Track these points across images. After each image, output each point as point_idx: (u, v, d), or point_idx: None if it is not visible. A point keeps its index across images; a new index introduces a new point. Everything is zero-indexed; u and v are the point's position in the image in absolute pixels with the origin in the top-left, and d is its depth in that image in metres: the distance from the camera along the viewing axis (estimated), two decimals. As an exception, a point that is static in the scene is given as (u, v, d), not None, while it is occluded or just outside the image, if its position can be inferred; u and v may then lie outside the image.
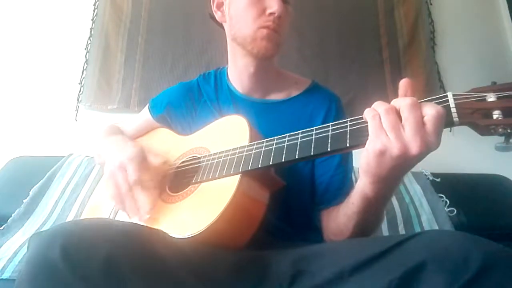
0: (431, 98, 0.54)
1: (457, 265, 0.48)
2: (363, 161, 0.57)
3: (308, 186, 0.88)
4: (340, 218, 0.76)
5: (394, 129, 0.52)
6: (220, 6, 0.94)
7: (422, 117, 0.51)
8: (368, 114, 0.55)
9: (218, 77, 1.01)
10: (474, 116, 0.51)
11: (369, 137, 0.54)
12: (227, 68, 1.00)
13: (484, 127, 0.51)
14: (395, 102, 0.54)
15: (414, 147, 0.50)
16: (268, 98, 0.95)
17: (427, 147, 0.50)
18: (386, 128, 0.52)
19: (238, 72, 0.94)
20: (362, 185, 0.63)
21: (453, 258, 0.49)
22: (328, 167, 0.86)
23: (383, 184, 0.60)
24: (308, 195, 0.89)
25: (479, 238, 0.52)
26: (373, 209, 0.67)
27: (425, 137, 0.50)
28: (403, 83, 0.57)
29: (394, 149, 0.51)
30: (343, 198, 0.78)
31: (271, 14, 0.83)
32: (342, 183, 0.85)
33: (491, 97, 0.50)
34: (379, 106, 0.55)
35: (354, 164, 0.92)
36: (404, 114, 0.52)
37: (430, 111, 0.51)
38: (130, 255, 0.52)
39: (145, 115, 1.08)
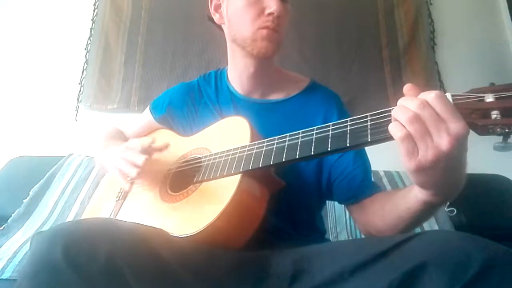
0: None
1: (458, 265, 0.48)
2: (413, 179, 0.55)
3: (310, 186, 0.88)
4: (389, 218, 0.73)
5: (423, 139, 0.49)
6: (218, 8, 0.94)
7: (436, 112, 0.49)
8: (396, 130, 0.51)
9: (218, 78, 1.01)
10: (473, 116, 0.51)
11: (403, 158, 0.52)
12: (227, 69, 1.00)
13: (482, 127, 0.51)
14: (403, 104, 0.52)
15: (443, 145, 0.48)
16: (268, 98, 0.95)
17: (456, 137, 0.48)
18: (416, 138, 0.50)
19: (238, 73, 0.94)
20: (423, 196, 0.59)
21: (454, 258, 0.49)
22: (346, 163, 0.85)
23: (447, 187, 0.57)
24: (310, 195, 0.89)
25: (479, 238, 0.52)
26: (435, 209, 0.65)
27: (447, 128, 0.48)
28: (408, 88, 0.54)
29: (429, 157, 0.49)
30: (372, 189, 0.82)
31: (270, 14, 0.83)
32: (365, 175, 0.85)
33: (489, 98, 0.50)
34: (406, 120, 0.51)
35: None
36: (422, 115, 0.49)
37: (429, 97, 0.49)
38: (131, 255, 0.52)
39: (146, 117, 1.08)
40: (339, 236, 1.40)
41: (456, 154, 0.50)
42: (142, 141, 0.82)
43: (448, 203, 1.47)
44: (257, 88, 0.94)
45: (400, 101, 0.53)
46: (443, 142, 0.48)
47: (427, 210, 0.63)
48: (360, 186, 0.83)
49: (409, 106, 0.50)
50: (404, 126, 0.50)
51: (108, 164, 0.88)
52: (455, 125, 0.48)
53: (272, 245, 0.73)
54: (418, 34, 2.06)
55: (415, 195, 0.61)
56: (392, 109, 0.54)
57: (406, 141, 0.50)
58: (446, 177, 0.53)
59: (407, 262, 0.52)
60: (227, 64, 0.99)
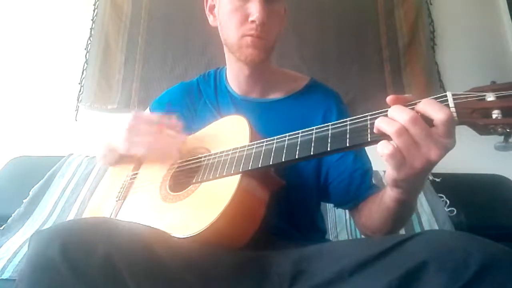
0: (431, 97, 0.53)
1: (457, 265, 0.48)
2: (389, 180, 0.57)
3: (310, 185, 0.88)
4: (375, 219, 0.76)
5: (410, 151, 0.51)
6: (212, 9, 0.93)
7: (427, 126, 0.50)
8: (384, 148, 0.53)
9: (217, 78, 1.01)
10: (473, 115, 0.50)
11: (390, 169, 0.54)
12: (226, 69, 1.00)
13: (483, 126, 0.50)
14: (393, 116, 0.53)
15: (432, 156, 0.51)
16: (267, 97, 0.94)
17: (445, 150, 0.51)
18: (404, 151, 0.52)
19: (234, 74, 0.94)
20: (395, 194, 0.62)
21: (454, 258, 0.49)
22: (345, 165, 0.85)
23: (416, 187, 0.61)
24: (310, 194, 0.89)
25: (479, 238, 0.52)
26: (410, 205, 0.68)
27: (440, 142, 0.50)
28: (390, 101, 0.55)
29: (417, 165, 0.52)
30: (367, 192, 0.81)
31: (253, 21, 0.81)
32: (363, 178, 0.84)
33: (490, 97, 0.50)
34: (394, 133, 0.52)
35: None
36: (410, 130, 0.51)
37: (437, 115, 0.50)
38: (129, 255, 0.52)
39: None
40: (339, 236, 1.40)
41: (438, 161, 0.52)
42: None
43: (448, 202, 1.48)
44: (255, 87, 0.94)
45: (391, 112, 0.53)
46: (434, 153, 0.50)
47: (401, 208, 0.66)
48: (358, 190, 0.83)
49: (400, 119, 0.51)
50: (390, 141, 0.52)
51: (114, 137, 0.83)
52: (448, 141, 0.50)
53: (272, 245, 0.73)
54: (418, 34, 2.06)
55: (388, 194, 0.65)
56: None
57: (393, 156, 0.52)
58: (420, 179, 0.57)
59: (406, 262, 0.52)
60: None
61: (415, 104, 0.53)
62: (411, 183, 0.57)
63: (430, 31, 2.08)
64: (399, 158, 0.52)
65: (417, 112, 0.51)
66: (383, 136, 0.53)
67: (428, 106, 0.51)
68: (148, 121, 0.80)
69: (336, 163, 0.86)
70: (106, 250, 0.50)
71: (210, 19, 0.94)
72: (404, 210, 0.67)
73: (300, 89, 0.95)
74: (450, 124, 0.50)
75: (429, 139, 0.50)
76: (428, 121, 0.51)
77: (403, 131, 0.51)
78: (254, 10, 0.80)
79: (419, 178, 0.56)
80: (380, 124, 0.53)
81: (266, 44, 0.84)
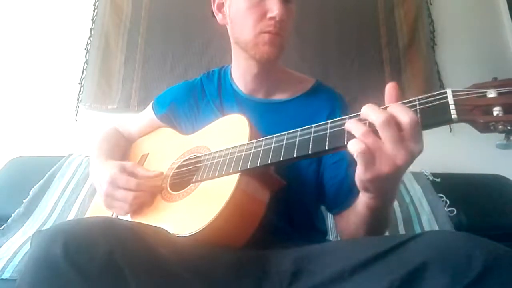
0: (430, 94, 0.53)
1: (459, 265, 0.48)
2: (357, 180, 0.58)
3: (311, 187, 0.87)
4: (351, 226, 0.77)
5: (378, 152, 0.52)
6: (220, 7, 0.92)
7: (395, 129, 0.51)
8: (354, 145, 0.54)
9: (222, 77, 1.01)
10: (474, 112, 0.50)
11: (359, 168, 0.55)
12: (231, 67, 0.99)
13: (483, 124, 0.49)
14: (367, 116, 0.54)
15: (399, 160, 0.52)
16: (272, 98, 0.94)
17: (412, 155, 0.52)
18: (373, 151, 0.53)
19: (242, 73, 0.94)
20: (365, 199, 0.64)
21: (456, 258, 0.49)
22: (339, 170, 0.85)
23: (385, 194, 0.62)
24: (311, 195, 0.89)
25: (480, 238, 0.52)
26: (382, 212, 0.68)
27: (407, 146, 0.51)
28: (389, 88, 0.57)
29: (384, 169, 0.53)
30: (352, 201, 0.79)
31: (271, 18, 0.81)
32: (353, 186, 0.84)
33: (491, 93, 0.49)
34: (361, 135, 0.54)
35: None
36: (381, 132, 0.52)
37: (404, 118, 0.51)
38: (131, 253, 0.52)
39: (148, 114, 1.08)
40: (339, 236, 1.40)
41: (406, 167, 0.53)
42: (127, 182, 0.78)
43: (448, 202, 1.48)
44: (261, 87, 0.94)
45: (366, 111, 0.54)
46: (399, 157, 0.51)
47: (374, 216, 0.67)
48: (346, 197, 0.82)
49: (373, 120, 0.52)
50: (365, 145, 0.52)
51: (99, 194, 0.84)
52: (414, 146, 0.51)
53: (272, 244, 0.73)
54: (418, 34, 2.06)
55: (360, 199, 0.66)
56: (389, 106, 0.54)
57: (363, 155, 0.53)
58: (389, 185, 0.58)
59: (408, 263, 0.52)
60: (230, 62, 0.98)
61: (386, 108, 0.54)
62: (379, 188, 0.58)
63: (430, 31, 2.08)
64: (368, 157, 0.53)
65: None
66: None
67: (395, 109, 0.52)
68: (125, 185, 0.78)
69: (331, 166, 0.86)
70: (107, 249, 0.50)
71: (219, 17, 0.93)
72: (376, 219, 0.68)
73: (306, 91, 0.94)
74: (415, 127, 0.50)
75: (397, 143, 0.51)
76: (397, 126, 0.52)
77: (370, 133, 0.52)
78: (274, 7, 0.80)
79: (387, 183, 0.57)
80: (349, 125, 0.55)
81: (282, 42, 0.84)
